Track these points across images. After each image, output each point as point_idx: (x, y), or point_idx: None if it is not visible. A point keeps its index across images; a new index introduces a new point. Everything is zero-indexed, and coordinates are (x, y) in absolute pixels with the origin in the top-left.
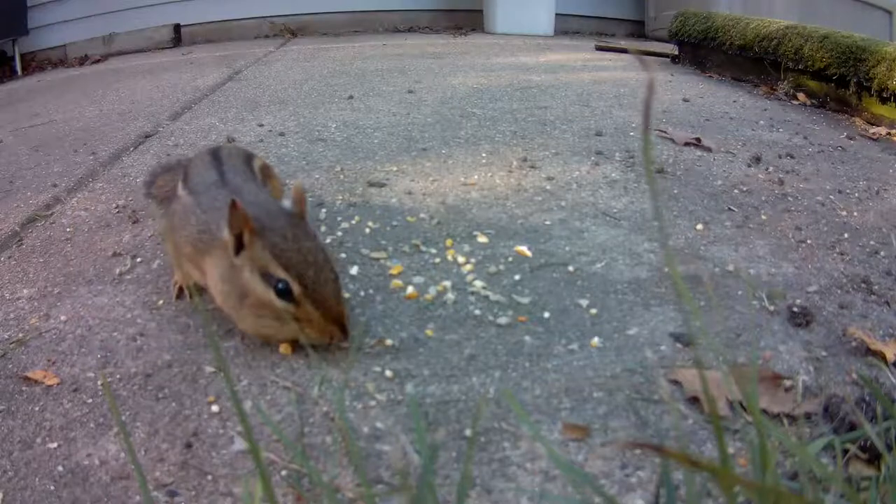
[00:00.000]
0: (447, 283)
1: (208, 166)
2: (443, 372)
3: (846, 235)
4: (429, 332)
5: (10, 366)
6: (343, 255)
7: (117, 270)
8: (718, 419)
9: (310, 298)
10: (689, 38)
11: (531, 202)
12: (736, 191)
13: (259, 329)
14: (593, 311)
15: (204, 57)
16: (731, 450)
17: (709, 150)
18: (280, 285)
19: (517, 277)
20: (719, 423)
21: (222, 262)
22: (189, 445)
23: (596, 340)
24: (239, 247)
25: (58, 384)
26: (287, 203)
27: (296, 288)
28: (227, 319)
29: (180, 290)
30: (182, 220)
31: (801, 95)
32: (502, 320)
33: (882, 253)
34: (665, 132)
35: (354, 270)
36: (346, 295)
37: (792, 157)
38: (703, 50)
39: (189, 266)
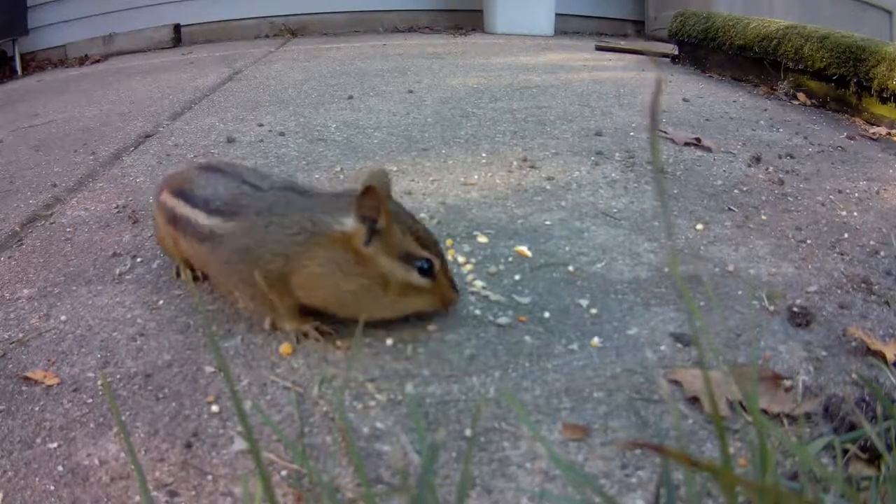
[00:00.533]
0: None
1: (228, 180)
2: (443, 372)
3: (846, 235)
4: (429, 332)
5: (10, 366)
6: None
7: (117, 270)
8: (720, 420)
9: (442, 272)
10: (689, 38)
11: (531, 202)
12: (736, 191)
13: (392, 313)
14: (593, 311)
15: (204, 57)
16: (731, 450)
17: (709, 150)
18: (424, 265)
19: (517, 277)
20: (721, 424)
21: (339, 256)
22: (189, 445)
23: (596, 340)
24: (369, 235)
25: (58, 384)
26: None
27: (436, 265)
28: (224, 320)
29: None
30: (259, 237)
31: (801, 95)
32: (502, 320)
33: (882, 253)
34: (665, 132)
35: None
36: None
37: (792, 157)
38: (703, 50)
39: (278, 289)
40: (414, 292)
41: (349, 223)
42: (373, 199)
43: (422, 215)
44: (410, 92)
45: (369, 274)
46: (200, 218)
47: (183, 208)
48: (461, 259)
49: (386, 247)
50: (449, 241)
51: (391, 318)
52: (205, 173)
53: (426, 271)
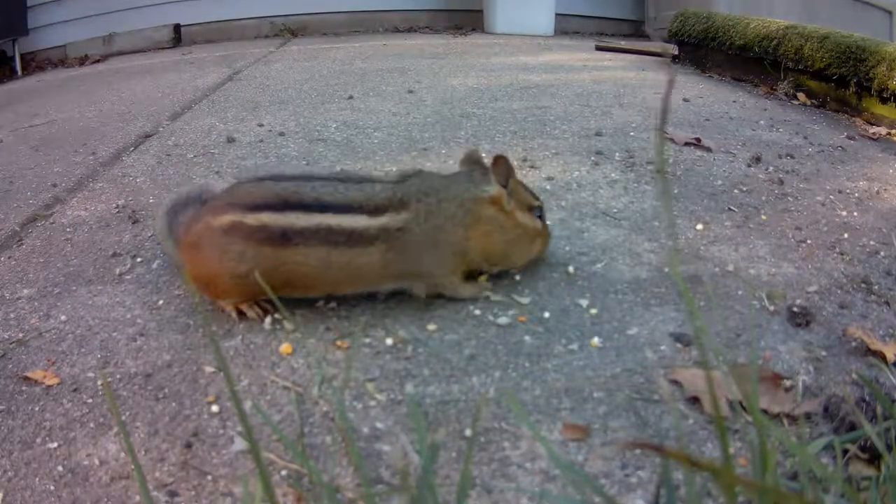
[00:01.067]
0: None
1: (328, 182)
2: (443, 372)
3: (846, 235)
4: (429, 332)
5: (10, 366)
6: None
7: (117, 270)
8: (722, 420)
9: (541, 216)
10: (689, 38)
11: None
12: (736, 191)
13: (525, 259)
14: (593, 311)
15: (204, 57)
16: (731, 450)
17: (709, 150)
18: (538, 213)
19: (517, 277)
20: (723, 424)
21: (495, 216)
22: (189, 445)
23: (596, 340)
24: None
25: (58, 384)
26: None
27: (543, 208)
28: (224, 320)
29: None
30: (438, 218)
31: (801, 95)
32: (502, 320)
33: (882, 253)
34: (665, 132)
35: None
36: None
37: (792, 157)
38: (703, 50)
39: (458, 259)
40: (537, 238)
41: (493, 188)
42: (503, 165)
43: None
44: (410, 92)
45: (514, 225)
46: (360, 221)
47: (313, 219)
48: None
49: (518, 203)
50: None
51: (529, 260)
52: (288, 182)
53: (540, 217)
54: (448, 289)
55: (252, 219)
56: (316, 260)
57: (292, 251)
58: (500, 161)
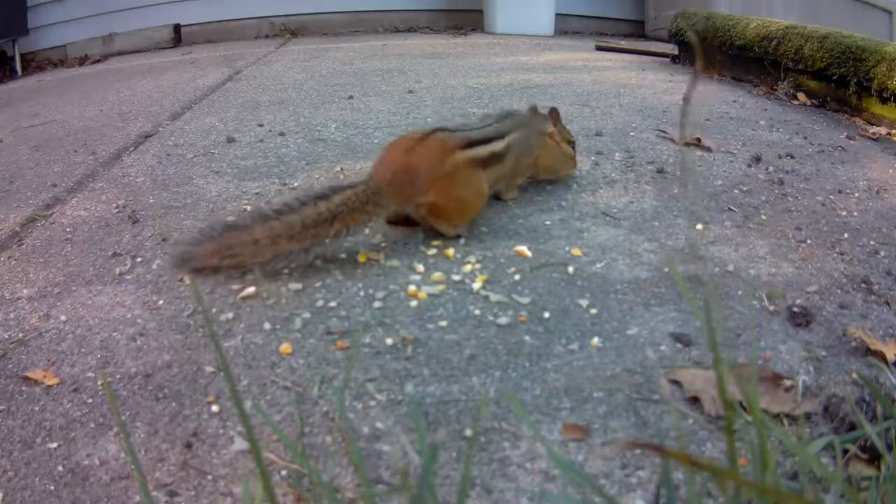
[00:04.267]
0: (447, 283)
1: (478, 125)
2: (443, 372)
3: (846, 235)
4: (429, 332)
5: (10, 366)
6: (343, 256)
7: (117, 270)
8: (731, 421)
9: (574, 148)
10: (689, 39)
11: (531, 202)
12: (736, 191)
13: (565, 171)
14: (593, 311)
15: (204, 57)
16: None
17: (709, 150)
18: (573, 146)
19: (517, 277)
20: (732, 426)
21: (550, 143)
22: (189, 445)
23: (596, 340)
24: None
25: (58, 384)
26: None
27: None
28: (224, 320)
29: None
30: (528, 140)
31: (801, 95)
32: (502, 320)
33: (882, 253)
34: (665, 132)
35: (353, 270)
36: None
37: (792, 157)
38: (703, 50)
39: (524, 169)
40: (571, 161)
41: (550, 126)
42: (555, 114)
43: None
44: (410, 92)
45: (560, 151)
46: (500, 146)
47: (487, 149)
48: (461, 258)
49: (562, 137)
50: (443, 246)
51: (565, 174)
52: (465, 132)
53: (573, 148)
54: (506, 191)
55: (472, 153)
56: (489, 176)
57: (486, 171)
58: (554, 112)
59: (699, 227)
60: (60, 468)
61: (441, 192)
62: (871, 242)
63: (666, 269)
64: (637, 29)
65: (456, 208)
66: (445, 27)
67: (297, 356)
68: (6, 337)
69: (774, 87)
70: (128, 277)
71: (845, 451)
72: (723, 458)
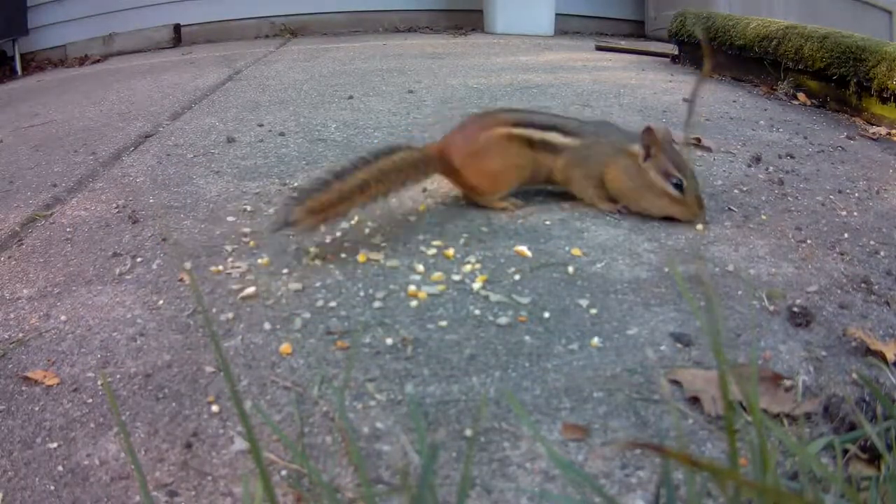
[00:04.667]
0: (447, 283)
1: (549, 117)
2: (443, 372)
3: (846, 235)
4: (429, 332)
5: (10, 366)
6: (343, 255)
7: (117, 270)
8: (731, 421)
9: (691, 192)
10: (689, 38)
11: (531, 202)
12: (736, 191)
13: (657, 210)
14: (593, 311)
15: (204, 57)
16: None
17: (709, 150)
18: (676, 181)
19: (517, 277)
20: (732, 426)
21: (629, 165)
22: (189, 445)
23: (596, 340)
24: (646, 156)
25: (58, 384)
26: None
27: (685, 184)
28: (224, 320)
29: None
30: (591, 153)
31: (801, 95)
32: (502, 320)
33: (882, 253)
34: None
35: (353, 270)
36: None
37: (792, 157)
38: (702, 50)
39: (596, 184)
40: (669, 199)
41: (636, 147)
42: (649, 135)
43: (422, 215)
44: (410, 92)
45: (643, 179)
46: (558, 138)
47: (540, 134)
48: (461, 258)
49: (654, 165)
50: (449, 241)
51: (657, 215)
52: (527, 114)
53: (678, 186)
54: (587, 199)
55: (517, 131)
56: (543, 159)
57: (535, 153)
58: (648, 133)
59: (699, 227)
60: (60, 468)
61: (469, 166)
62: (871, 242)
63: (666, 269)
64: (637, 29)
65: (490, 180)
66: (445, 27)
67: (297, 356)
68: (6, 337)
69: (774, 87)
70: (128, 277)
71: (845, 451)
72: (723, 458)
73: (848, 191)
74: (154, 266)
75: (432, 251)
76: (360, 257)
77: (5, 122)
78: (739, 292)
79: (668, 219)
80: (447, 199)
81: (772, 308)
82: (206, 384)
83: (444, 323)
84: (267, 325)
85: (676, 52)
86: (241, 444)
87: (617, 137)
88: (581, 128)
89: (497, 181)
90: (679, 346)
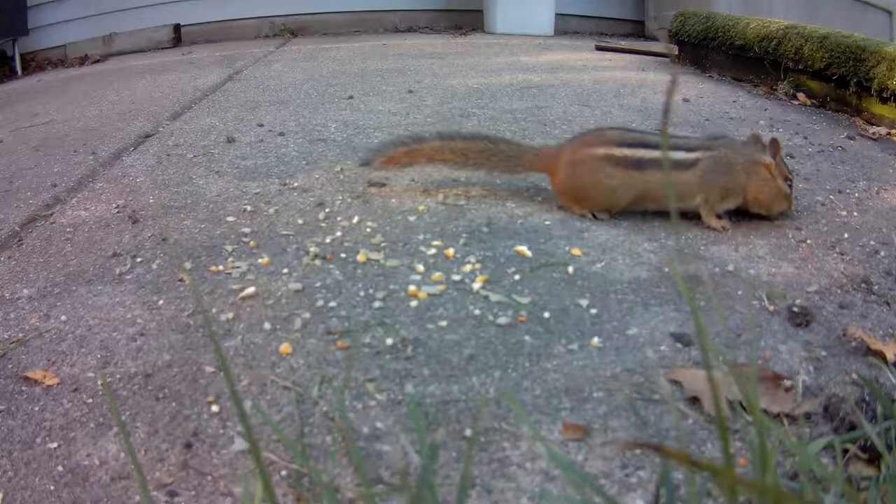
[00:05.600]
0: (447, 283)
1: (656, 135)
2: (443, 372)
3: (846, 235)
4: (429, 332)
5: (10, 366)
6: (343, 255)
7: (117, 270)
8: (724, 420)
9: (790, 187)
10: (689, 38)
11: (531, 202)
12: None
13: (778, 208)
14: (593, 311)
15: (204, 57)
16: (731, 450)
17: None
18: (790, 184)
19: (517, 277)
20: (725, 425)
21: (765, 175)
22: (189, 445)
23: (596, 340)
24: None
25: (58, 384)
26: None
27: (792, 182)
28: (224, 320)
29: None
30: (730, 166)
31: (801, 95)
32: (502, 320)
33: (882, 253)
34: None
35: (353, 270)
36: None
37: (792, 157)
38: (703, 50)
39: (724, 197)
40: (785, 199)
41: (768, 157)
42: (775, 146)
43: (422, 215)
44: (410, 92)
45: (775, 186)
46: (681, 154)
47: (651, 153)
48: (461, 259)
49: (780, 172)
50: (449, 241)
51: (774, 215)
52: (639, 134)
53: (790, 187)
54: (705, 214)
55: (618, 151)
56: (656, 180)
57: (643, 174)
58: (774, 143)
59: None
60: (60, 468)
61: (564, 176)
62: (871, 242)
63: (666, 269)
64: (637, 29)
65: (575, 195)
66: (445, 27)
67: (297, 356)
68: (6, 337)
69: (774, 87)
70: (128, 277)
71: (845, 451)
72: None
73: (848, 191)
74: (154, 266)
75: (432, 251)
76: (360, 257)
77: (5, 122)
78: (739, 292)
79: (663, 214)
80: (447, 199)
81: (772, 308)
82: (206, 384)
83: (444, 323)
84: (267, 325)
85: (676, 52)
86: (241, 444)
87: (748, 149)
88: (706, 143)
89: (583, 196)
90: (679, 346)
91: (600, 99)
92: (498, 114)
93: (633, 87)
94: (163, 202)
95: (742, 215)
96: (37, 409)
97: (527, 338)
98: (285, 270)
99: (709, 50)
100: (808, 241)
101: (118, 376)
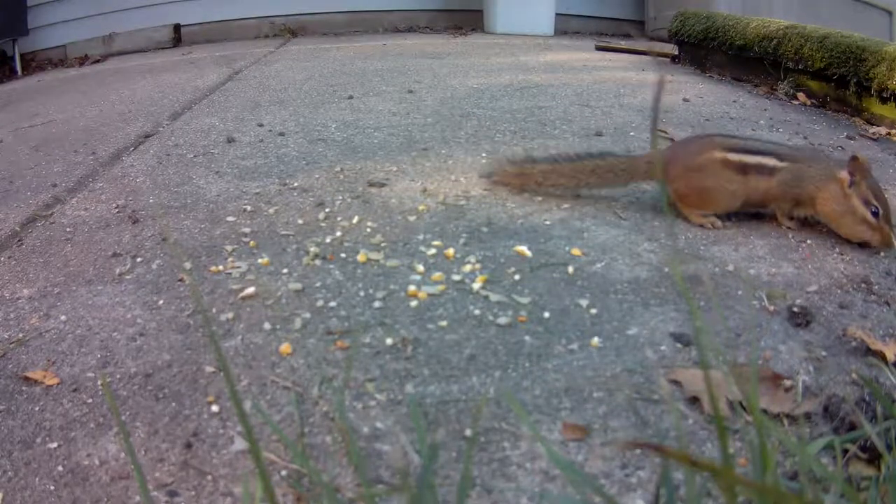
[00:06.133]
0: (447, 283)
1: (762, 145)
2: (443, 372)
3: None
4: (429, 332)
5: (10, 366)
6: (343, 255)
7: (117, 270)
8: (722, 420)
9: (885, 220)
10: (689, 38)
11: (531, 202)
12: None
13: (853, 234)
14: (593, 311)
15: (204, 57)
16: (730, 450)
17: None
18: (874, 210)
19: (517, 277)
20: (723, 424)
21: (836, 190)
22: (189, 445)
23: (596, 340)
24: (850, 183)
25: (58, 384)
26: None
27: (881, 213)
28: (224, 320)
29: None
30: (804, 175)
31: (801, 95)
32: (502, 320)
33: (882, 253)
34: (665, 132)
35: (353, 270)
36: None
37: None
38: (703, 50)
39: (796, 203)
40: (866, 226)
41: (843, 173)
42: (855, 164)
43: (422, 215)
44: (410, 92)
45: (847, 204)
46: (772, 161)
47: (756, 158)
48: (461, 258)
49: (857, 192)
50: (449, 241)
51: (854, 240)
52: (742, 140)
53: (875, 214)
54: (779, 216)
55: (732, 156)
56: (756, 182)
57: (746, 178)
58: (854, 161)
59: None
60: (60, 468)
61: (686, 182)
62: None
63: (666, 269)
64: (637, 29)
65: (699, 197)
66: (445, 27)
67: (297, 356)
68: (6, 337)
69: (774, 87)
70: (128, 277)
71: (845, 451)
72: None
73: None
74: (154, 266)
75: (432, 251)
76: (360, 257)
77: (5, 122)
78: (739, 292)
79: (657, 215)
80: (447, 199)
81: (772, 308)
82: (206, 384)
83: (444, 323)
84: (267, 325)
85: (676, 52)
86: (241, 444)
87: (827, 164)
88: (794, 153)
89: (706, 200)
90: (679, 346)
91: (600, 99)
92: (498, 114)
93: (633, 87)
94: (163, 202)
95: (742, 215)
96: (37, 409)
97: (527, 338)
98: (285, 270)
99: (709, 50)
100: (808, 241)
101: (118, 376)
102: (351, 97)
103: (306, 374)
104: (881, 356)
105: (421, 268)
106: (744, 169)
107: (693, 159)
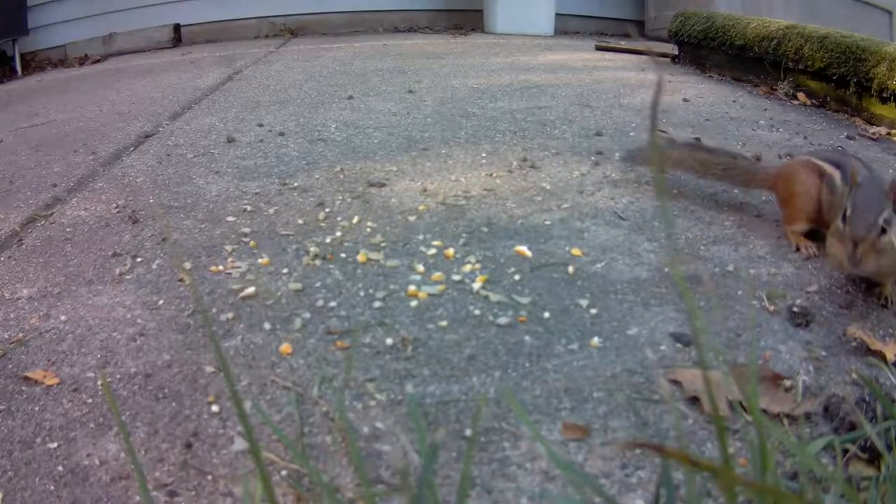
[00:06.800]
0: (447, 283)
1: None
2: (443, 372)
3: None
4: (429, 332)
5: (10, 366)
6: (343, 255)
7: (117, 270)
8: (721, 419)
9: None
10: (689, 38)
11: (531, 202)
12: (736, 190)
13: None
14: (593, 311)
15: (204, 57)
16: (731, 450)
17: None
18: None
19: (517, 277)
20: (722, 424)
21: None
22: (189, 445)
23: (596, 340)
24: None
25: (58, 384)
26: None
27: None
28: (224, 320)
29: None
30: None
31: (801, 95)
32: (502, 320)
33: None
34: (665, 132)
35: (353, 270)
36: None
37: (792, 156)
38: (703, 50)
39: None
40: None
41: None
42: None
43: (421, 215)
44: (410, 92)
45: (888, 242)
46: (838, 176)
47: (831, 169)
48: (461, 259)
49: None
50: (448, 241)
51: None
52: (833, 155)
53: None
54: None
55: (825, 166)
56: (831, 198)
57: (832, 196)
58: (894, 185)
59: (699, 226)
60: (60, 468)
61: (778, 187)
62: None
63: (666, 269)
64: (637, 29)
65: (784, 205)
66: (445, 27)
67: (297, 356)
68: (6, 337)
69: (774, 87)
70: (128, 277)
71: (845, 451)
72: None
73: None
74: (154, 266)
75: (432, 251)
76: (360, 257)
77: (5, 122)
78: (739, 292)
79: (657, 215)
80: (447, 199)
81: (772, 308)
82: (206, 384)
83: (444, 323)
84: (267, 325)
85: (676, 53)
86: (241, 444)
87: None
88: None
89: (793, 209)
90: (679, 346)
91: (600, 99)
92: (498, 114)
93: (633, 87)
94: (163, 202)
95: (742, 215)
96: (37, 409)
97: (527, 338)
98: (285, 270)
99: (709, 50)
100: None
101: (118, 376)
102: (351, 97)
103: (306, 374)
104: (881, 356)
105: (421, 268)
106: (822, 175)
107: (786, 166)
